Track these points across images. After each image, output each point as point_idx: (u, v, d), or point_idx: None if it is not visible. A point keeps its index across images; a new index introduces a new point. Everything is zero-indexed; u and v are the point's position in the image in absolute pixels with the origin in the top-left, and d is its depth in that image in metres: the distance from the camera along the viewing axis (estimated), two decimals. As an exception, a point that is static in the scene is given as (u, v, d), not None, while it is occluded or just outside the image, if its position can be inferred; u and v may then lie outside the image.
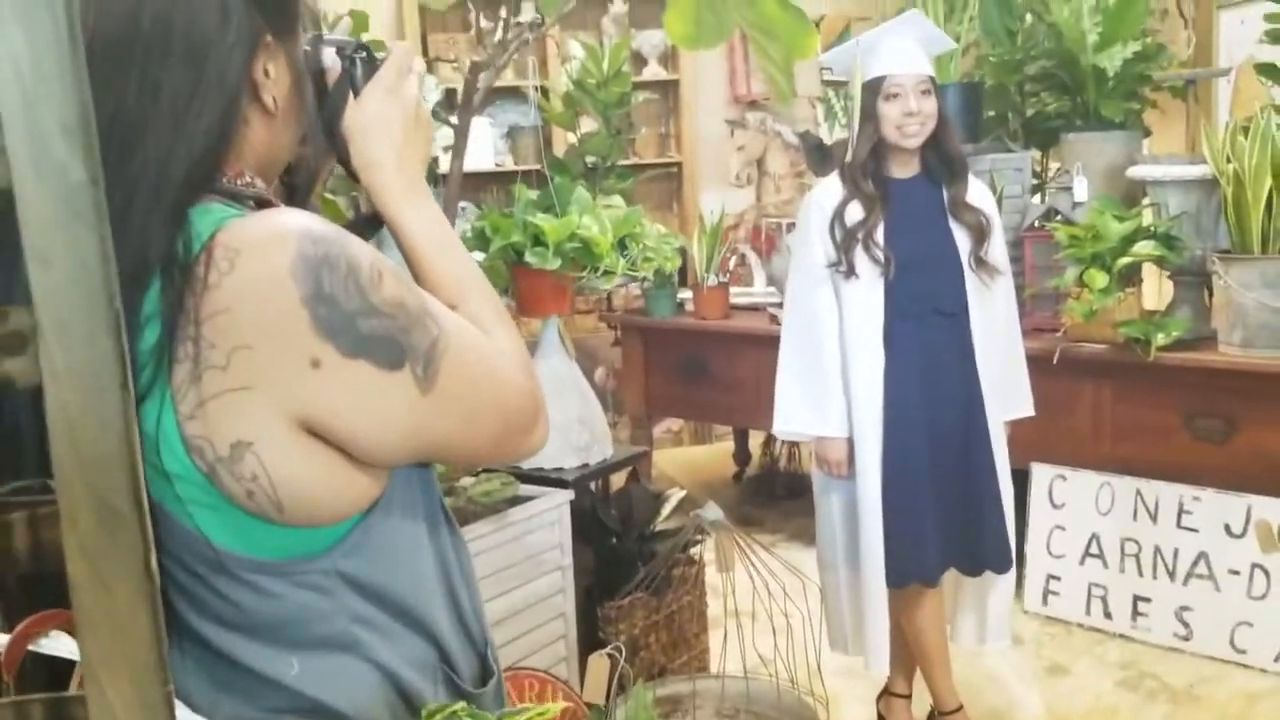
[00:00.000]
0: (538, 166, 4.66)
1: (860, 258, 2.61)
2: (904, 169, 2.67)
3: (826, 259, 2.65)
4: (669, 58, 5.60)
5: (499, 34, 2.50)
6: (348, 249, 0.86)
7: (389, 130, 1.01)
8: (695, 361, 4.39)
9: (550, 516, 2.47)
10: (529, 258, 2.37)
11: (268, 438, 0.83)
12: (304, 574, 0.90)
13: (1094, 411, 3.55)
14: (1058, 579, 3.63)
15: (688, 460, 5.31)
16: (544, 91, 4.77)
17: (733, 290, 4.40)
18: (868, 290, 2.62)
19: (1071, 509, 3.60)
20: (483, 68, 2.41)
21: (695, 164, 5.60)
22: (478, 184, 5.15)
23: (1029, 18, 4.10)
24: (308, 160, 1.04)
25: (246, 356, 0.81)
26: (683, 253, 4.43)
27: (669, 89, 5.60)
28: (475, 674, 1.05)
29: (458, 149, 2.43)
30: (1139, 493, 3.45)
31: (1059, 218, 3.65)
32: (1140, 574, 3.46)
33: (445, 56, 4.70)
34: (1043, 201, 3.81)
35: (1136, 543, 3.46)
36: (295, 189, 1.07)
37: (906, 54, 2.62)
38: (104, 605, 0.48)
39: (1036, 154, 4.09)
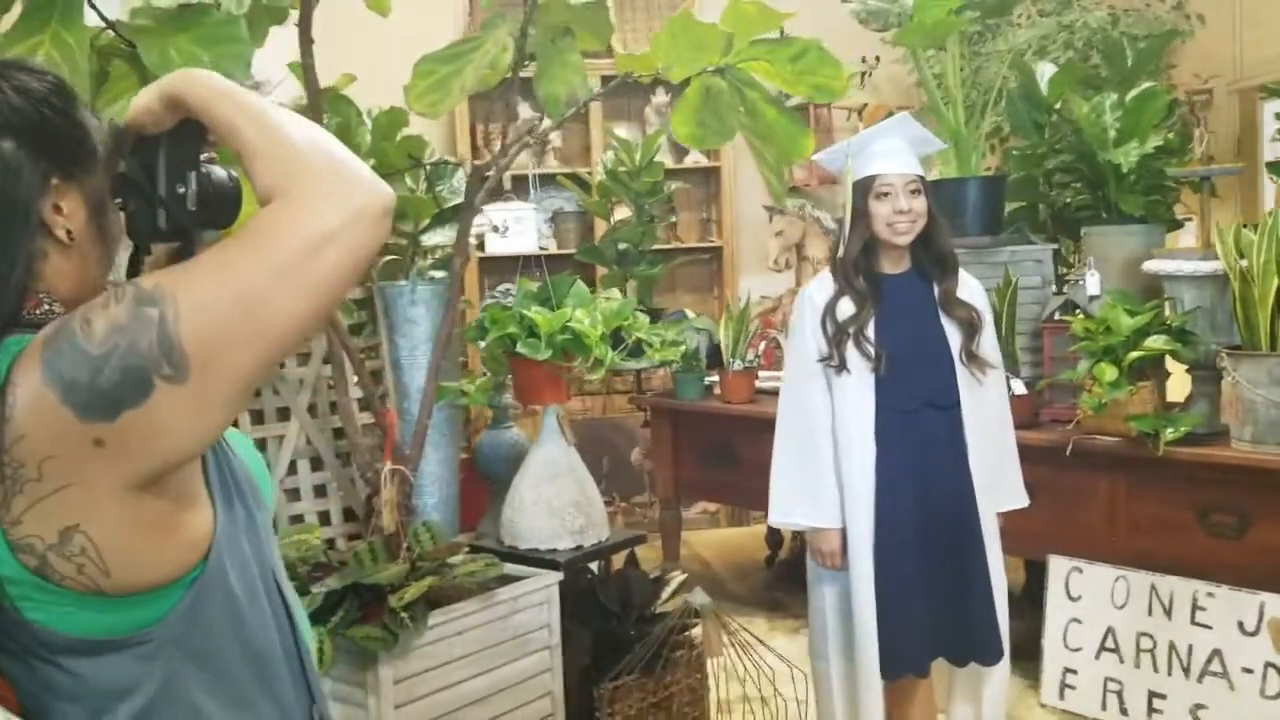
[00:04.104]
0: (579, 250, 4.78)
1: (851, 353, 2.68)
2: (895, 265, 2.74)
3: (819, 353, 2.72)
4: (711, 145, 5.75)
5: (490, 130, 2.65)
6: (64, 323, 0.93)
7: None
8: (722, 445, 4.45)
9: (538, 597, 2.56)
10: (521, 348, 2.50)
11: (92, 515, 0.93)
12: (139, 646, 0.99)
13: (1109, 505, 3.54)
14: (1074, 672, 3.60)
15: (721, 542, 5.35)
16: (577, 179, 4.94)
17: (762, 374, 4.47)
18: (859, 384, 2.68)
19: (1087, 602, 3.58)
20: (485, 170, 2.55)
21: (735, 248, 5.72)
22: (524, 267, 5.32)
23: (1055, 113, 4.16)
24: (193, 245, 1.11)
25: (54, 463, 0.92)
26: (710, 337, 4.53)
27: (710, 175, 5.75)
28: None
29: (460, 245, 2.57)
30: (1153, 588, 3.42)
31: (1077, 310, 3.68)
32: (1155, 670, 3.41)
33: (483, 147, 4.90)
34: (1058, 293, 3.84)
35: (1151, 638, 3.42)
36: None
37: (897, 154, 2.71)
38: None
39: (1055, 246, 4.12)
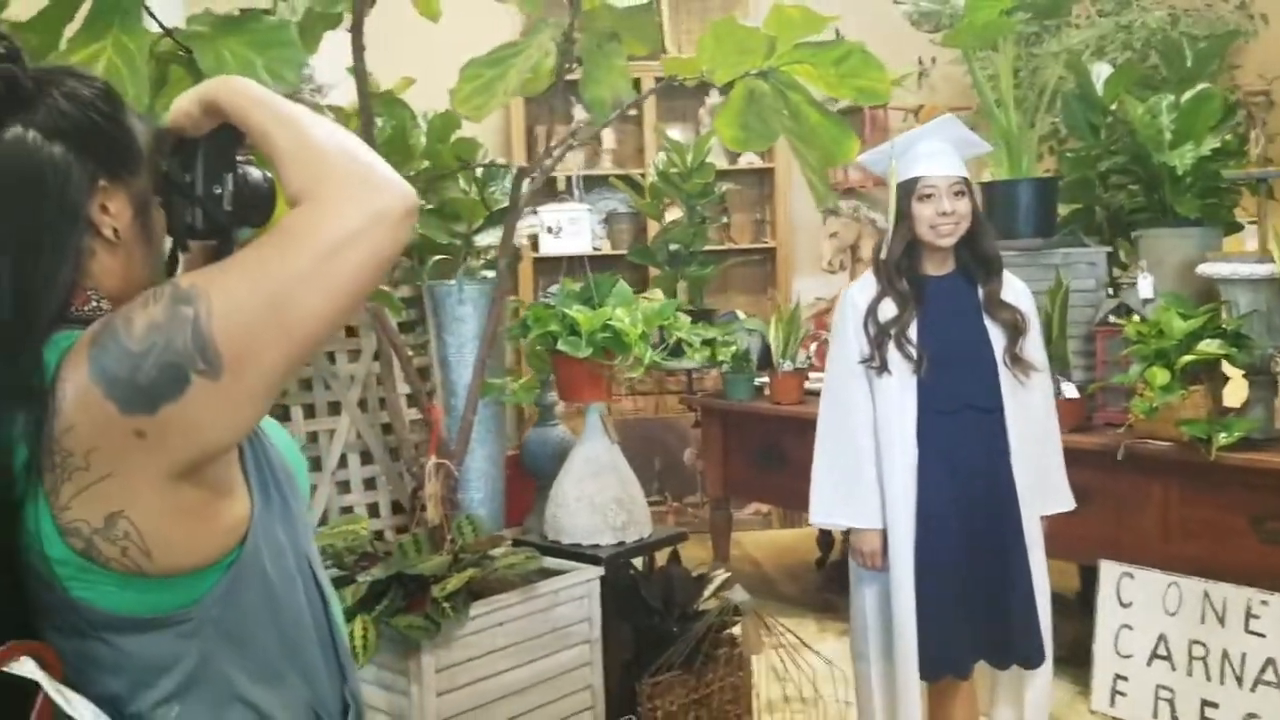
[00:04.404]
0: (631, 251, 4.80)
1: (893, 354, 2.68)
2: (939, 267, 2.74)
3: (860, 355, 2.73)
4: (765, 146, 5.77)
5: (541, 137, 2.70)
6: (109, 321, 0.98)
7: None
8: (772, 446, 4.46)
9: (579, 591, 2.60)
10: (561, 345, 2.54)
11: (135, 502, 0.99)
12: (179, 624, 1.05)
13: (1161, 510, 3.50)
14: (1125, 679, 3.56)
15: (773, 543, 5.35)
16: (630, 181, 4.98)
17: (812, 375, 4.47)
18: (900, 386, 2.68)
19: (1139, 608, 3.54)
20: (530, 171, 2.60)
21: (789, 250, 5.73)
22: (574, 267, 5.38)
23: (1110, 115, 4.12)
24: (230, 243, 1.16)
25: (99, 454, 0.98)
26: (762, 338, 4.55)
27: (764, 176, 5.77)
28: (339, 709, 1.19)
29: (505, 245, 2.62)
30: (1206, 594, 3.38)
31: (1131, 314, 3.64)
32: (1208, 678, 3.36)
33: (536, 150, 4.96)
34: (1113, 295, 3.80)
35: (1204, 645, 3.38)
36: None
37: (941, 156, 2.70)
38: None
39: (1109, 249, 4.08)
